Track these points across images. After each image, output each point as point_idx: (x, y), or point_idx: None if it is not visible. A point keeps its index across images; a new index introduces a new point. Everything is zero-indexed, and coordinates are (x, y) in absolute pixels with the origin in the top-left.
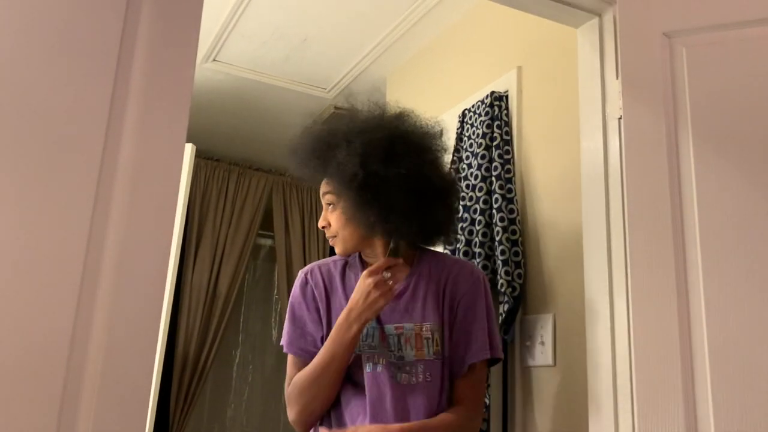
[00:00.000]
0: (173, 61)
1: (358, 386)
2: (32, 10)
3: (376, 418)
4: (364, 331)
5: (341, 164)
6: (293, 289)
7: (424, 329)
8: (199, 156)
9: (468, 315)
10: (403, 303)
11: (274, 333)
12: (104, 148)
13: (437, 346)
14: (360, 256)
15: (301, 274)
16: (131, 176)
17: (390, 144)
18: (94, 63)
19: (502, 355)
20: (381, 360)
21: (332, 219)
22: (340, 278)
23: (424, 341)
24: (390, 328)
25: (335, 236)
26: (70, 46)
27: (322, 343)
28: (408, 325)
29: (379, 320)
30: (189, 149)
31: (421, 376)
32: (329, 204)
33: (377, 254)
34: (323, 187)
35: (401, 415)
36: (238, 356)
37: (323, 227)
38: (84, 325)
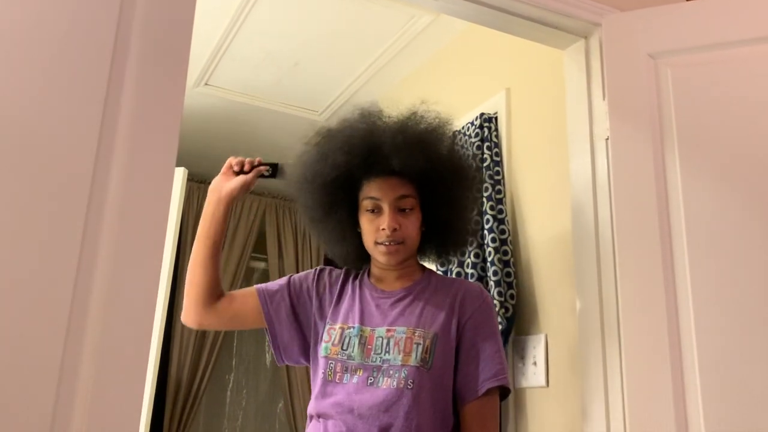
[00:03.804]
0: (163, 87)
1: (333, 396)
2: (23, 39)
3: (353, 429)
4: (346, 339)
5: (459, 169)
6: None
7: (416, 334)
8: (192, 179)
9: (479, 334)
10: (399, 308)
11: (268, 357)
12: (94, 173)
13: (426, 353)
14: (368, 273)
15: (316, 267)
16: (121, 201)
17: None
18: (84, 88)
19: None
20: (358, 371)
21: (407, 224)
22: (342, 282)
23: (414, 346)
24: (381, 330)
25: (402, 242)
26: (59, 72)
27: (291, 314)
28: (400, 329)
29: (369, 324)
30: (181, 173)
31: (403, 382)
32: (407, 209)
33: (397, 275)
34: (400, 189)
35: (374, 421)
36: (231, 381)
37: (394, 229)
38: (74, 352)
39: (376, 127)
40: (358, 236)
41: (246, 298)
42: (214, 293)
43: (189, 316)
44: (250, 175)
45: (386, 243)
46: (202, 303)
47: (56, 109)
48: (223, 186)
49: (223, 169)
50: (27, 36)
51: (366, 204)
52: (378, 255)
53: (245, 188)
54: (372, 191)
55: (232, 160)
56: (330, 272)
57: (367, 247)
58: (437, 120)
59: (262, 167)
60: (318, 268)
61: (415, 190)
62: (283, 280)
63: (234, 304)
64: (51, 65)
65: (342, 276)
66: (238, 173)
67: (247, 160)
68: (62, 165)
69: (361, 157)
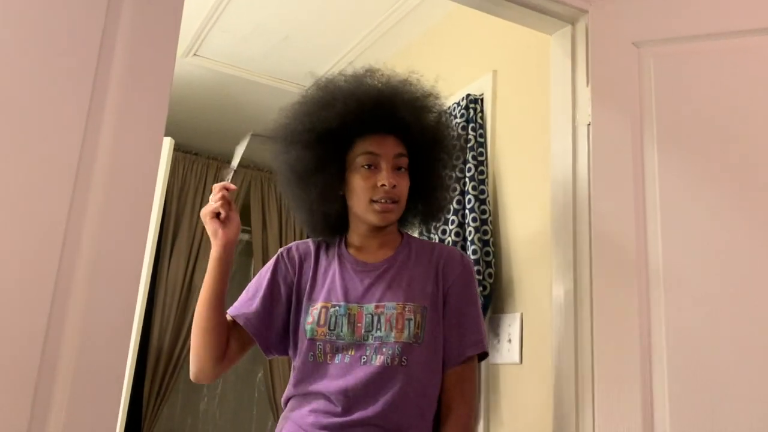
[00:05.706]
0: (153, 56)
1: (324, 377)
2: (13, 5)
3: (348, 407)
4: (332, 319)
5: (449, 136)
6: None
7: (407, 309)
8: (178, 150)
9: (461, 300)
10: (385, 282)
11: None
12: (83, 140)
13: (417, 328)
14: (345, 240)
15: (278, 252)
16: (109, 169)
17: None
18: (74, 57)
19: (488, 351)
20: (350, 350)
21: (403, 183)
22: (314, 257)
23: (406, 322)
24: (369, 307)
25: (397, 202)
26: (51, 38)
27: (276, 319)
28: (390, 304)
29: (356, 301)
30: (167, 143)
31: (397, 359)
32: (403, 168)
33: (379, 243)
34: (396, 147)
35: (370, 399)
36: None
37: (393, 186)
38: (58, 318)
39: (380, 83)
40: (341, 199)
41: (236, 337)
42: (224, 347)
43: (205, 374)
44: (224, 208)
45: (383, 200)
46: (218, 360)
47: (45, 78)
48: (217, 237)
49: (209, 229)
50: (16, 13)
51: (361, 160)
52: (371, 214)
53: (233, 225)
54: (370, 146)
55: (208, 217)
56: (297, 248)
57: (357, 207)
58: (429, 88)
59: (227, 192)
60: (282, 251)
61: (407, 152)
62: (252, 285)
63: (238, 348)
64: (42, 30)
65: (313, 249)
66: (222, 215)
67: (218, 203)
68: (51, 134)
69: (369, 106)
